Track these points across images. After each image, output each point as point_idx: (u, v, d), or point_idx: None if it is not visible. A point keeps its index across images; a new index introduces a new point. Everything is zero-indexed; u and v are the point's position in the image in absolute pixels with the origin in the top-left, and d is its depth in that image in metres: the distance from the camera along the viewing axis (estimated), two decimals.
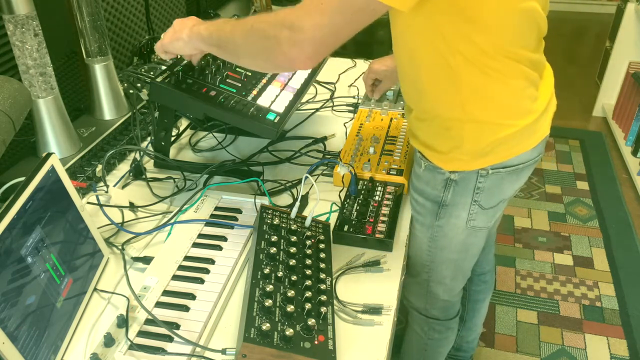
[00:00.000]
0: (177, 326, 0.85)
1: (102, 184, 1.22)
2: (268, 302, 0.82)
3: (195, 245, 1.03)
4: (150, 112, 1.47)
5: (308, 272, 0.92)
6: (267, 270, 0.89)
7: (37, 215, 0.83)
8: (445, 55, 0.93)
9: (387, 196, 1.17)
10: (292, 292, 0.85)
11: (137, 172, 1.30)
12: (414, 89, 1.05)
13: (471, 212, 1.11)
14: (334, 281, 0.98)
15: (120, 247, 1.06)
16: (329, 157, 1.36)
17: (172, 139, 1.42)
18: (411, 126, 1.13)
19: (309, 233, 1.02)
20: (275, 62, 0.91)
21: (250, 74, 1.25)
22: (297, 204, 1.06)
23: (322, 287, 0.91)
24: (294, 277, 0.89)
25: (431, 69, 0.97)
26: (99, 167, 1.28)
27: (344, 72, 1.84)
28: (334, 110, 1.63)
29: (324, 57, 0.88)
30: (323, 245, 1.01)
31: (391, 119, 1.45)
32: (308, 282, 0.89)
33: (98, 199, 1.15)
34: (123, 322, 0.85)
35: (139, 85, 1.54)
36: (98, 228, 1.04)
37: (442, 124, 1.02)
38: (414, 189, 1.16)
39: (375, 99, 1.52)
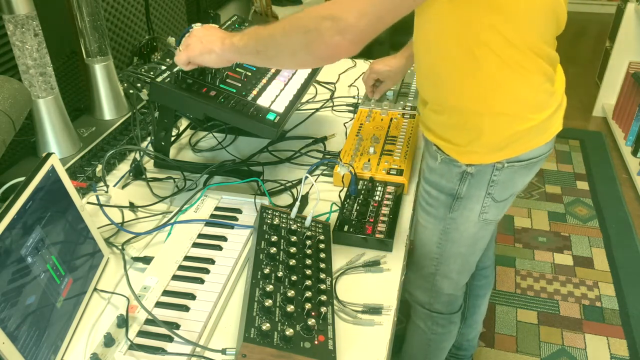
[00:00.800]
0: (177, 326, 0.85)
1: (102, 184, 1.22)
2: (268, 302, 0.82)
3: (195, 245, 1.03)
4: (150, 112, 1.47)
5: (308, 272, 0.92)
6: (267, 270, 0.89)
7: (37, 215, 0.83)
8: (471, 46, 0.94)
9: (387, 196, 1.17)
10: (292, 292, 0.85)
11: (137, 172, 1.30)
12: (432, 80, 1.06)
13: (484, 204, 1.13)
14: (334, 281, 0.98)
15: (120, 247, 1.06)
16: (329, 157, 1.36)
17: (172, 139, 1.42)
18: (425, 119, 1.13)
19: (309, 233, 1.02)
20: (318, 54, 0.90)
21: (250, 74, 1.25)
22: (297, 204, 1.06)
23: (322, 287, 0.91)
24: (294, 277, 0.89)
25: (455, 60, 0.98)
26: (99, 167, 1.28)
27: (344, 72, 1.84)
28: (334, 110, 1.63)
29: (366, 43, 0.88)
30: (323, 245, 1.01)
31: (391, 119, 1.45)
32: (308, 282, 0.89)
33: (98, 199, 1.15)
34: (123, 322, 0.85)
35: (139, 85, 1.54)
36: (98, 228, 1.04)
37: (461, 116, 1.04)
38: (427, 181, 1.17)
39: (375, 99, 1.52)
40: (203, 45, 1.04)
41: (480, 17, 0.91)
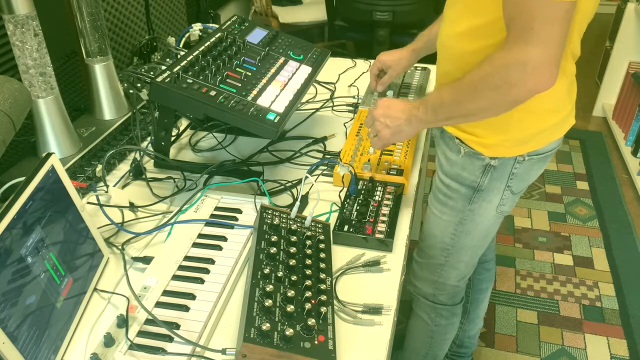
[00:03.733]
0: (177, 326, 0.85)
1: (102, 184, 1.22)
2: (268, 302, 0.82)
3: (195, 245, 1.03)
4: (150, 112, 1.47)
5: (308, 272, 0.92)
6: (267, 270, 0.89)
7: (37, 215, 0.83)
8: None
9: (387, 196, 1.17)
10: (292, 292, 0.85)
11: (137, 172, 1.30)
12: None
13: (503, 197, 1.15)
14: (334, 281, 0.98)
15: (120, 247, 1.06)
16: (329, 157, 1.36)
17: (172, 139, 1.42)
18: None
19: (309, 233, 1.02)
20: (517, 100, 0.90)
21: (250, 74, 1.25)
22: (297, 204, 1.06)
23: (322, 287, 0.91)
24: (294, 277, 0.89)
25: None
26: (99, 167, 1.28)
27: (344, 72, 1.84)
28: (334, 110, 1.63)
29: (560, 63, 0.86)
30: (323, 245, 1.01)
31: None
32: (308, 282, 0.89)
33: (98, 199, 1.15)
34: (123, 322, 0.85)
35: (139, 85, 1.54)
36: (98, 228, 1.04)
37: None
38: (446, 174, 1.19)
39: (378, 91, 1.53)
40: (391, 130, 1.08)
41: None
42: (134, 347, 0.81)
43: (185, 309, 0.88)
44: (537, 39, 0.82)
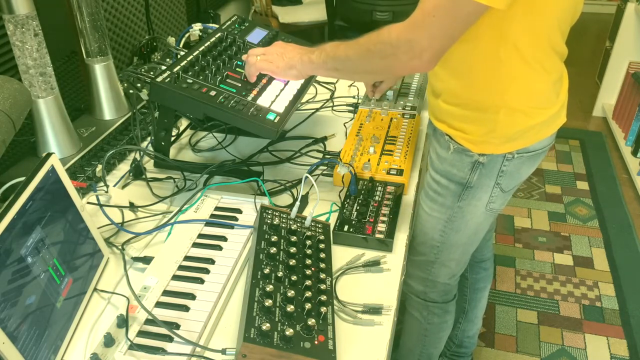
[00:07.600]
0: (177, 326, 0.85)
1: (102, 184, 1.22)
2: (268, 302, 0.82)
3: (195, 245, 1.03)
4: (150, 112, 1.47)
5: (308, 272, 0.92)
6: (267, 270, 0.89)
7: (37, 215, 0.83)
8: (498, 47, 0.96)
9: (387, 196, 1.17)
10: (292, 292, 0.85)
11: (137, 172, 1.30)
12: (451, 75, 1.07)
13: (492, 194, 1.16)
14: (334, 281, 0.98)
15: (120, 247, 1.06)
16: (329, 157, 1.36)
17: (172, 139, 1.42)
18: (436, 110, 1.15)
19: (309, 233, 1.02)
20: (396, 73, 0.98)
21: None
22: (297, 204, 1.06)
23: (322, 287, 0.91)
24: (294, 277, 0.89)
25: (477, 56, 1.00)
26: (99, 167, 1.28)
27: None
28: (334, 110, 1.63)
29: (442, 56, 0.92)
30: (323, 245, 1.01)
31: (391, 119, 1.45)
32: (308, 282, 0.89)
33: (98, 199, 1.15)
34: (123, 322, 0.85)
35: (139, 85, 1.54)
36: (98, 228, 1.04)
37: (477, 110, 1.06)
38: (436, 170, 1.19)
39: (375, 99, 1.53)
40: (285, 62, 1.11)
41: (517, 19, 0.92)
42: (134, 347, 0.81)
43: (185, 309, 0.88)
44: (433, 27, 0.87)
